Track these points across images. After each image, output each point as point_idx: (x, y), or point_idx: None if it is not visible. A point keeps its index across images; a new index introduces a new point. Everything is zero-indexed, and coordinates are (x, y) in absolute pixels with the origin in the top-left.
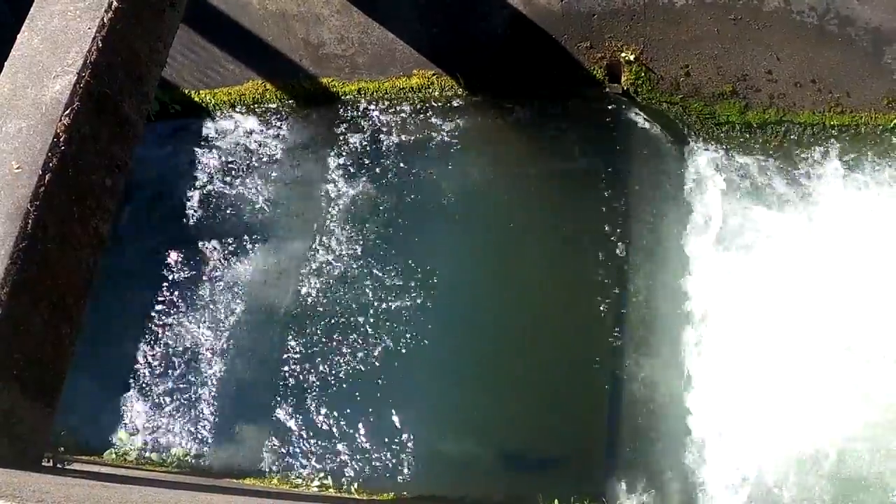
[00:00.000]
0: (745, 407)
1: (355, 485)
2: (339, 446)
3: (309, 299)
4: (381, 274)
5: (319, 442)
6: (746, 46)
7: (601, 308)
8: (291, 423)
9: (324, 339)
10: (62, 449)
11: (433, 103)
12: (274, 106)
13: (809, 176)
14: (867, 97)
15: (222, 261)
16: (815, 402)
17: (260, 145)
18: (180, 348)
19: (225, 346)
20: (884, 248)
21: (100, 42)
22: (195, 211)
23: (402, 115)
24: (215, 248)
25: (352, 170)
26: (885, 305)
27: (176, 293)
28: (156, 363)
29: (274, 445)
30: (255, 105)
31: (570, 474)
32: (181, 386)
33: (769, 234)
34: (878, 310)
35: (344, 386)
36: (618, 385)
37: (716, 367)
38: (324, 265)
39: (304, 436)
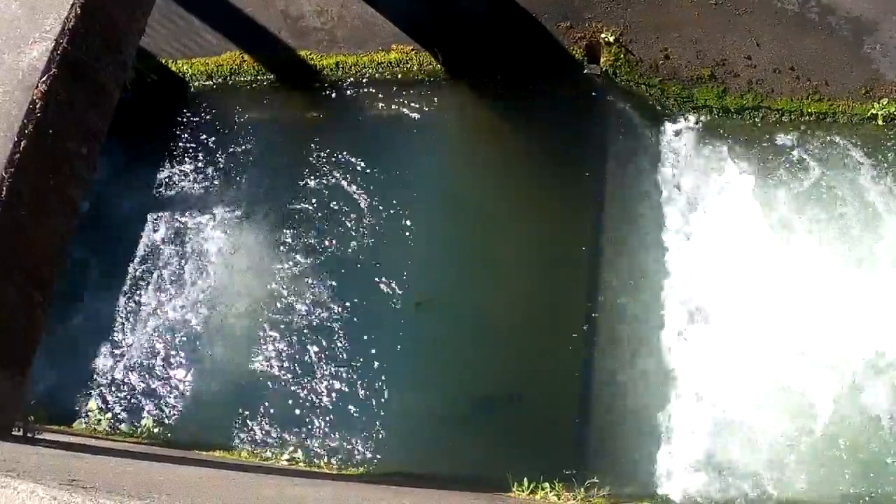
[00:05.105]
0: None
1: (325, 459)
2: (310, 420)
3: (279, 278)
4: (349, 249)
5: (290, 415)
6: (726, 31)
7: (574, 289)
8: (262, 397)
9: (295, 315)
10: (32, 418)
11: (411, 78)
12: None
13: None
14: (845, 86)
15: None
16: None
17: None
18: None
19: (196, 317)
20: None
21: (78, 9)
22: None
23: (379, 89)
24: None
25: (326, 143)
26: None
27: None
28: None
29: (244, 418)
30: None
31: (539, 452)
32: (151, 358)
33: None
34: None
35: (316, 359)
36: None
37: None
38: (292, 243)
39: (275, 409)
